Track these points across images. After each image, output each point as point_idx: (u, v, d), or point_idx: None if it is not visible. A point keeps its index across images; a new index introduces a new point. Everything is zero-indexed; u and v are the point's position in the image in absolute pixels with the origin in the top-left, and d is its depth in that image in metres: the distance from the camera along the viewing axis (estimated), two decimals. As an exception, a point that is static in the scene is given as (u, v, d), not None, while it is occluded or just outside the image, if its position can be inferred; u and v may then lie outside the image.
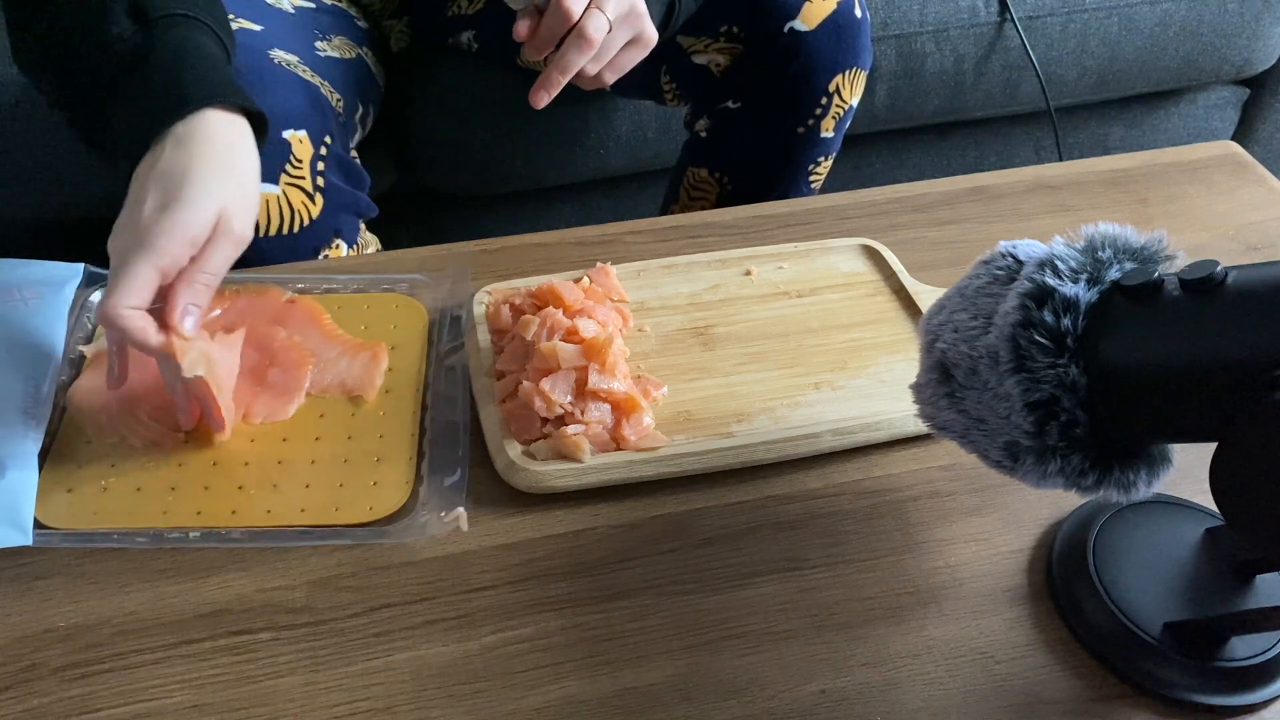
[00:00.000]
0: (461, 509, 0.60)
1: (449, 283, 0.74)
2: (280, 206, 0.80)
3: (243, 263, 0.78)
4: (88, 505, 0.59)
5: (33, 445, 0.60)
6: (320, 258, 0.83)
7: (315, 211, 0.82)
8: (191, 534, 0.58)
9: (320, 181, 0.82)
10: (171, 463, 0.61)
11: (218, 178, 0.59)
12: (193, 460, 0.62)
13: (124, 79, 0.61)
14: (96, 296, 0.70)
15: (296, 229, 0.81)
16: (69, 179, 1.19)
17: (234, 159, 0.61)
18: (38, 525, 0.57)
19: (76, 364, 0.66)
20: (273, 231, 0.79)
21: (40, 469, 0.60)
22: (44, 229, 1.28)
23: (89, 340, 0.68)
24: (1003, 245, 0.53)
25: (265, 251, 0.80)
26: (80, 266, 0.70)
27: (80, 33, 0.62)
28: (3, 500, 0.57)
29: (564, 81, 0.74)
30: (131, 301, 0.56)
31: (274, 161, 0.80)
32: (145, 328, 0.57)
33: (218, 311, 0.69)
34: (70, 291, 0.69)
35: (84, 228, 1.29)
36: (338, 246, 0.84)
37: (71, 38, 0.63)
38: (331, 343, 0.69)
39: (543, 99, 0.75)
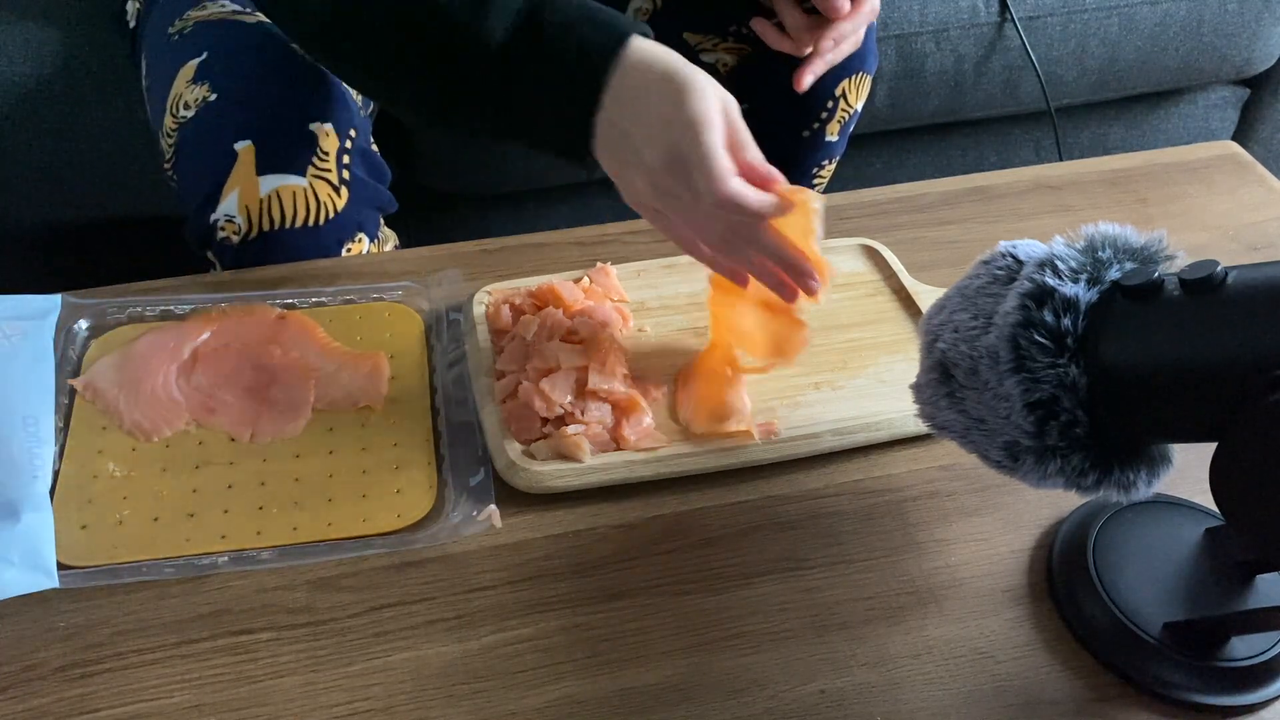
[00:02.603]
0: (494, 507, 0.60)
1: (440, 286, 0.74)
2: (307, 198, 0.79)
3: (265, 257, 0.79)
4: (106, 540, 0.58)
5: (42, 486, 0.59)
6: (343, 251, 0.83)
7: (340, 204, 0.81)
8: (220, 559, 0.58)
9: (345, 175, 0.82)
10: (185, 489, 0.61)
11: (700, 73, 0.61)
12: (207, 486, 0.61)
13: (527, 31, 0.61)
14: (81, 325, 0.69)
15: (322, 221, 0.81)
16: (70, 184, 1.19)
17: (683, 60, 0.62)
18: (60, 566, 0.56)
19: (69, 397, 0.65)
20: (299, 224, 0.79)
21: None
22: (44, 235, 1.28)
23: (76, 373, 0.67)
24: (1003, 245, 0.54)
25: (290, 244, 0.80)
26: (58, 298, 0.69)
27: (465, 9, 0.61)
28: (23, 544, 0.56)
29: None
30: (732, 174, 0.59)
31: (301, 154, 0.80)
32: (750, 191, 0.59)
33: (207, 334, 0.68)
34: (51, 324, 0.67)
35: (84, 233, 1.29)
36: (360, 240, 0.84)
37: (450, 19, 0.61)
38: (330, 356, 0.69)
39: (809, 81, 0.81)
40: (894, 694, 0.54)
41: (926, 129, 1.48)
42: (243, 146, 0.78)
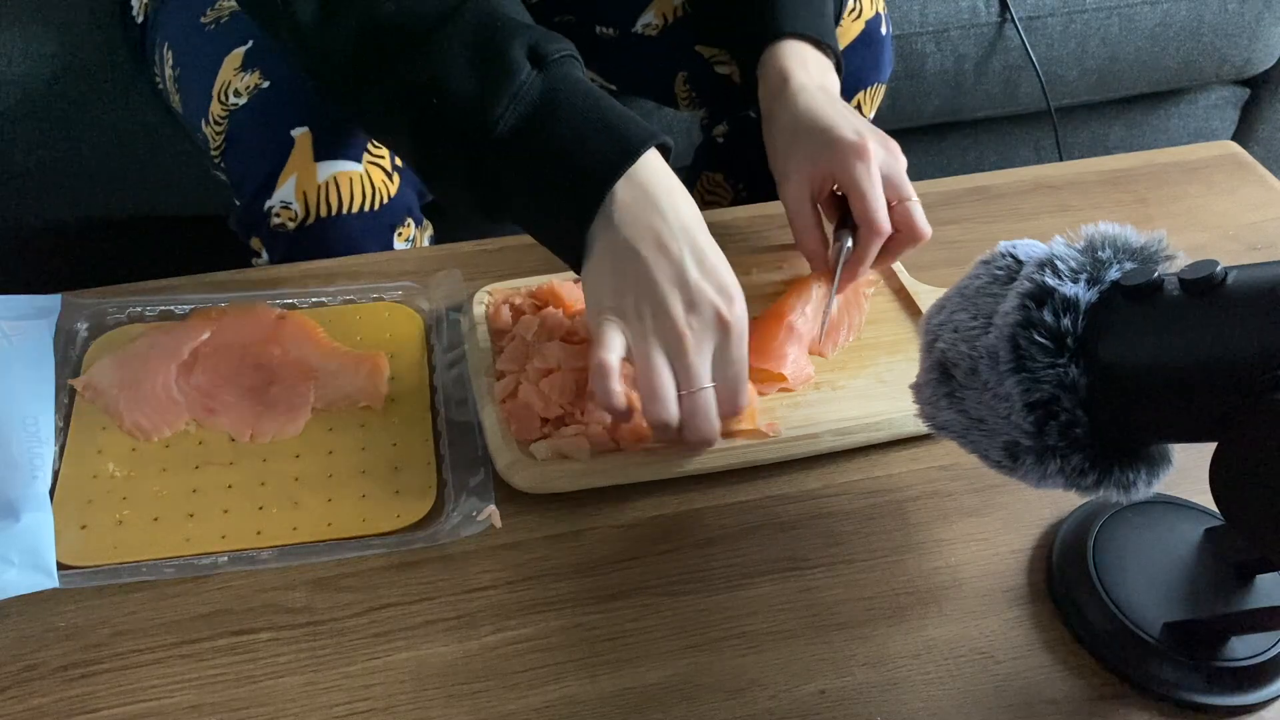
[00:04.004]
0: (493, 507, 0.60)
1: (440, 286, 0.74)
2: (363, 184, 0.79)
3: (321, 244, 0.79)
4: (105, 540, 0.58)
5: (42, 486, 0.59)
6: (395, 236, 0.83)
7: (393, 190, 0.82)
8: (220, 559, 0.58)
9: (397, 161, 0.82)
10: (185, 489, 0.61)
11: (708, 233, 0.61)
12: (207, 486, 0.61)
13: (535, 126, 0.59)
14: (81, 325, 0.69)
15: (377, 207, 0.81)
16: (70, 184, 1.19)
17: (693, 205, 0.62)
18: (60, 566, 0.56)
19: (69, 397, 0.65)
20: (355, 210, 0.79)
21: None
22: (44, 235, 1.28)
23: (76, 373, 0.66)
24: (1003, 245, 0.53)
25: (346, 230, 0.80)
26: (58, 298, 0.69)
27: (479, 78, 0.59)
28: (23, 544, 0.56)
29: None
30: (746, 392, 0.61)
31: (357, 140, 0.80)
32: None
33: (207, 334, 0.68)
34: (51, 324, 0.67)
35: (84, 233, 1.29)
36: (409, 225, 0.84)
37: (459, 84, 0.59)
38: (330, 356, 0.68)
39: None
40: (894, 694, 0.54)
41: (926, 129, 1.48)
42: (300, 133, 0.78)
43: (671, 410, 0.59)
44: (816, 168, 0.73)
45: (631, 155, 0.59)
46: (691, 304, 0.59)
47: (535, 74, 0.60)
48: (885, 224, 0.71)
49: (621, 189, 0.59)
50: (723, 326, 0.59)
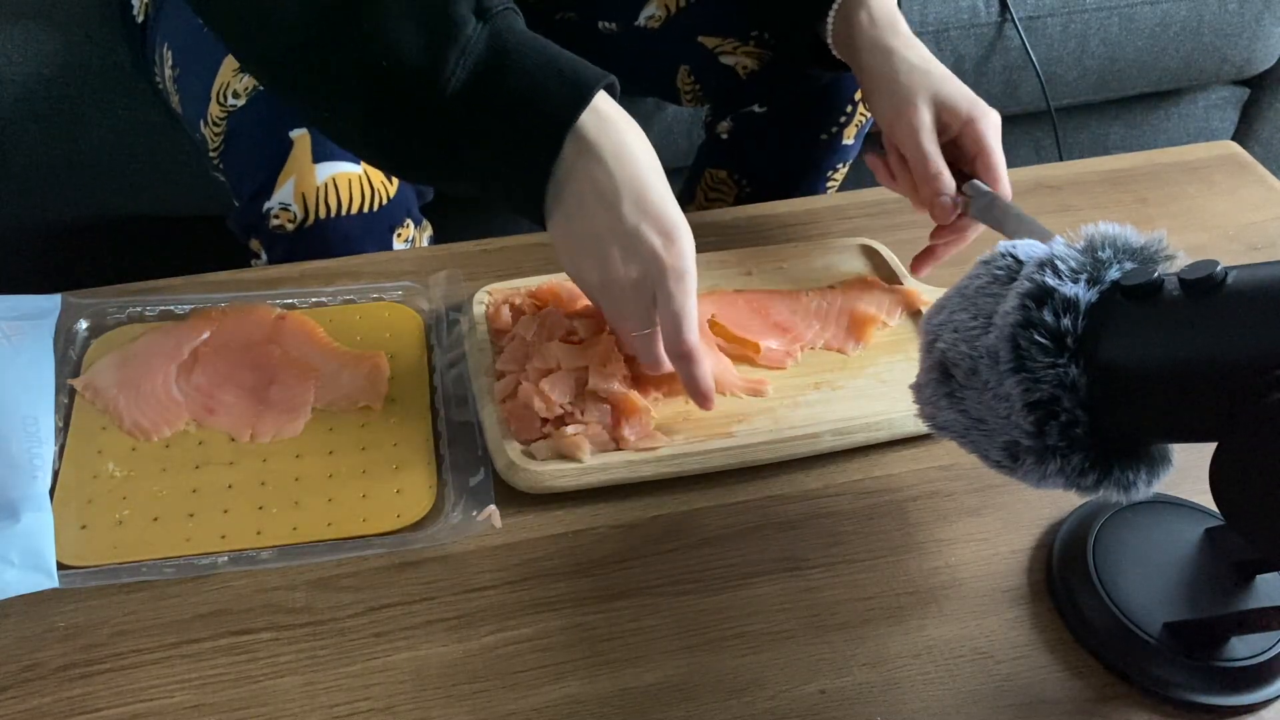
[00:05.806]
0: (494, 507, 0.60)
1: (440, 286, 0.74)
2: (362, 185, 0.79)
3: (320, 245, 0.79)
4: (105, 540, 0.58)
5: (42, 486, 0.59)
6: (394, 237, 0.83)
7: (392, 191, 0.82)
8: (220, 559, 0.58)
9: None
10: (185, 489, 0.61)
11: (658, 169, 0.61)
12: (207, 486, 0.61)
13: (486, 79, 0.58)
14: (81, 325, 0.69)
15: (376, 208, 0.81)
16: (70, 184, 1.19)
17: (643, 140, 0.61)
18: (60, 566, 0.56)
19: (69, 397, 0.65)
20: (354, 210, 0.79)
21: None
22: (44, 235, 1.28)
23: (76, 373, 0.66)
24: (1003, 245, 0.53)
25: (345, 231, 0.80)
26: (58, 298, 0.69)
27: (426, 37, 0.57)
28: (23, 544, 0.56)
29: None
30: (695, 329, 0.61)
31: None
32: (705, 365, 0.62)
33: (207, 334, 0.68)
34: (51, 324, 0.67)
35: (84, 233, 1.29)
36: (408, 225, 0.84)
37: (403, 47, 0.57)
38: (330, 356, 0.68)
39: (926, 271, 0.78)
40: (894, 694, 0.54)
41: (927, 129, 1.47)
42: (298, 134, 0.78)
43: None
44: (945, 112, 0.74)
45: (584, 97, 0.58)
46: (629, 251, 0.59)
47: (480, 26, 0.58)
48: (1009, 192, 0.73)
49: (566, 146, 0.59)
50: (660, 267, 0.59)
